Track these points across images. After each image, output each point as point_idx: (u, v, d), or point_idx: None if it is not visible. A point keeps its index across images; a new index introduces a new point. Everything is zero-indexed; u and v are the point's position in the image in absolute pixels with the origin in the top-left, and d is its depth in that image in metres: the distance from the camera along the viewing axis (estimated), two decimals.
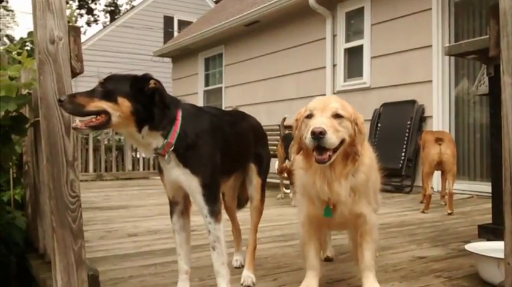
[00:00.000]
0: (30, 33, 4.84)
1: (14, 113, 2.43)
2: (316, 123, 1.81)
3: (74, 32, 2.00)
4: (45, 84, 1.93)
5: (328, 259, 2.76)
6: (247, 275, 2.31)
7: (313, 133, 1.78)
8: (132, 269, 2.65)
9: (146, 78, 1.89)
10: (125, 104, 1.83)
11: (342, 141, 1.87)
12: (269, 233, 3.64)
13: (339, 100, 1.95)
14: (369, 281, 2.10)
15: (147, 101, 1.86)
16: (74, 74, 2.02)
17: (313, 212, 2.08)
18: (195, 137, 1.94)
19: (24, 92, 2.52)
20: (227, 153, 2.08)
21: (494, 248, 2.32)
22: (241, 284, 2.28)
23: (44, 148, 1.95)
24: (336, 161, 1.89)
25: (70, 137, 1.95)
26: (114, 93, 1.84)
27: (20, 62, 2.62)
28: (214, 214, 1.96)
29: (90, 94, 1.86)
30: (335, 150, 1.85)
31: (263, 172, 2.44)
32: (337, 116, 1.87)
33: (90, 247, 3.17)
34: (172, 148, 1.91)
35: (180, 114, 1.95)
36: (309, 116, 1.89)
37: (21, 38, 4.29)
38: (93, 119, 1.83)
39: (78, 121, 1.86)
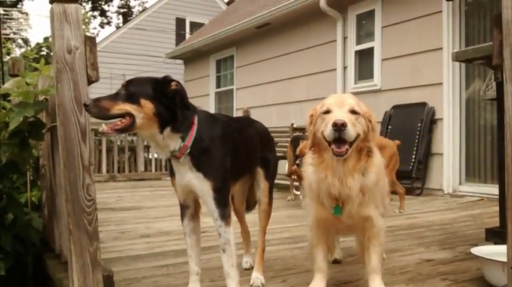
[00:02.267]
0: (46, 39, 4.96)
1: (32, 119, 2.52)
2: (337, 116, 1.88)
3: (90, 41, 2.08)
4: (62, 92, 2.01)
5: (336, 262, 2.81)
6: (257, 277, 2.37)
7: (335, 125, 1.85)
8: (145, 269, 2.73)
9: (167, 80, 1.94)
10: (147, 105, 1.88)
11: (357, 137, 1.94)
12: (278, 235, 3.70)
13: (354, 97, 2.02)
14: (375, 283, 2.15)
15: (169, 102, 1.91)
16: (90, 82, 2.10)
17: (321, 215, 2.13)
18: (209, 142, 2.01)
19: (41, 98, 2.61)
20: (236, 158, 2.15)
21: (500, 251, 2.35)
22: (251, 286, 2.34)
23: (61, 153, 2.03)
24: (349, 156, 1.95)
25: (86, 143, 2.03)
26: (137, 96, 1.88)
27: (36, 69, 2.71)
28: (225, 217, 2.02)
29: (114, 97, 1.89)
30: (351, 144, 1.92)
31: (270, 175, 2.49)
32: (353, 112, 1.94)
33: (105, 247, 3.25)
34: (188, 151, 1.97)
35: (196, 119, 2.01)
36: (327, 112, 1.96)
37: (38, 43, 4.41)
38: (118, 123, 1.88)
39: (104, 125, 1.91)
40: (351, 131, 1.89)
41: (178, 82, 1.95)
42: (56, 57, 2.01)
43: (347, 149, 1.90)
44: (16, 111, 2.38)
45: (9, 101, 3.13)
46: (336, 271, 2.65)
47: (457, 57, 2.86)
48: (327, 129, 1.90)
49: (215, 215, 2.02)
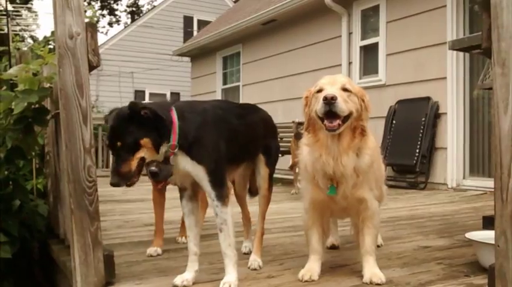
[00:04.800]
0: (53, 32, 5.03)
1: (37, 105, 2.59)
2: (327, 91, 1.94)
3: (91, 28, 2.15)
4: (64, 77, 2.08)
5: (333, 247, 2.86)
6: (254, 259, 2.43)
7: (325, 98, 1.93)
8: (146, 254, 2.79)
9: (137, 110, 1.94)
10: (147, 142, 1.96)
11: (350, 115, 2.00)
12: (280, 225, 3.75)
13: (347, 77, 2.10)
14: (369, 264, 2.19)
15: (151, 124, 1.96)
16: (91, 67, 2.16)
17: (316, 196, 2.18)
18: (195, 132, 2.06)
19: (46, 85, 2.68)
20: (234, 142, 2.20)
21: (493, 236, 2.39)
22: (248, 267, 2.40)
23: (63, 136, 2.10)
24: (343, 134, 2.01)
25: (87, 126, 2.10)
26: (136, 142, 1.94)
27: (42, 57, 2.78)
28: (222, 197, 2.08)
29: (123, 158, 1.94)
30: (344, 121, 1.97)
31: (271, 162, 2.54)
32: (345, 89, 2.01)
33: (108, 234, 3.32)
34: (177, 149, 2.03)
35: (174, 115, 2.04)
36: (319, 91, 2.02)
37: (45, 37, 4.49)
38: (136, 174, 1.97)
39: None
40: (342, 105, 1.95)
41: (142, 106, 1.96)
42: (58, 43, 2.07)
43: (339, 124, 1.96)
44: (21, 97, 2.45)
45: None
46: (333, 255, 2.70)
47: (453, 46, 2.89)
48: (318, 105, 1.96)
49: (212, 196, 2.07)
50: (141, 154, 1.95)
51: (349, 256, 2.68)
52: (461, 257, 2.62)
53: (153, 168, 2.07)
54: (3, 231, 2.84)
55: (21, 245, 3.05)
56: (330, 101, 1.94)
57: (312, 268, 2.23)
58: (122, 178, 1.94)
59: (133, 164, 1.94)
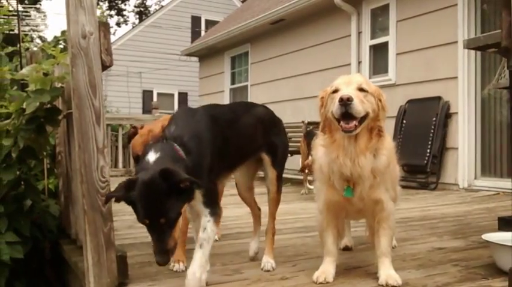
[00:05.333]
0: (63, 32, 5.05)
1: (48, 105, 2.58)
2: (343, 92, 1.91)
3: (104, 27, 2.14)
4: (77, 76, 2.07)
5: (347, 248, 2.83)
6: (267, 261, 2.40)
7: (341, 99, 1.90)
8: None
9: (175, 182, 1.81)
10: (185, 206, 1.92)
11: (367, 115, 1.96)
12: (291, 225, 3.72)
13: (363, 77, 2.06)
14: (385, 266, 2.16)
15: (187, 190, 1.86)
16: (104, 67, 2.15)
17: (331, 198, 2.15)
18: (192, 162, 1.98)
19: (58, 85, 2.67)
20: (224, 152, 2.15)
21: (511, 238, 2.35)
22: (262, 269, 2.37)
23: (76, 136, 2.08)
24: (360, 135, 1.98)
25: (100, 126, 2.09)
26: (179, 213, 1.86)
27: (54, 57, 2.77)
28: (215, 215, 2.06)
29: (169, 234, 1.84)
30: (360, 122, 1.94)
31: (278, 163, 2.44)
32: (361, 89, 1.98)
33: (119, 235, 3.30)
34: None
35: (183, 154, 1.96)
36: (335, 91, 1.99)
37: (55, 37, 4.49)
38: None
39: None
40: (358, 106, 1.92)
41: (182, 179, 1.82)
42: (71, 43, 2.06)
43: (355, 125, 1.93)
44: (32, 97, 2.45)
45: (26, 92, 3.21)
46: (346, 257, 2.66)
47: (468, 45, 2.85)
48: (334, 106, 1.93)
49: (206, 212, 2.04)
50: (180, 219, 1.89)
51: (363, 258, 2.65)
52: (478, 259, 2.57)
53: None
54: (15, 231, 2.83)
55: (33, 245, 3.05)
56: (345, 102, 1.91)
57: (327, 269, 2.20)
58: (171, 254, 1.87)
59: (176, 236, 1.88)
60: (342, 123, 1.94)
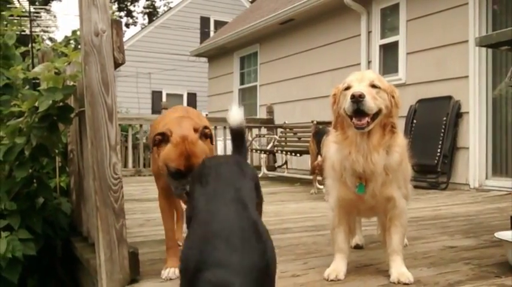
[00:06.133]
0: (74, 32, 5.10)
1: (61, 104, 2.60)
2: (355, 89, 1.91)
3: (116, 25, 2.15)
4: (90, 74, 2.08)
5: (358, 247, 2.82)
6: None
7: (352, 96, 1.90)
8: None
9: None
10: None
11: (379, 112, 1.96)
12: (302, 224, 3.72)
13: (376, 73, 2.05)
14: (396, 264, 2.15)
15: None
16: (117, 64, 2.16)
17: (343, 195, 2.15)
18: None
19: (70, 84, 2.69)
20: None
21: None
22: None
23: (89, 133, 2.10)
24: (373, 132, 1.98)
25: (113, 123, 2.10)
26: None
27: (66, 56, 2.79)
28: None
29: None
30: (373, 119, 1.94)
31: None
32: (374, 86, 1.97)
33: (130, 233, 3.31)
34: None
35: None
36: (347, 88, 1.99)
37: (66, 36, 4.53)
38: None
39: None
40: (370, 103, 1.91)
41: None
42: (84, 40, 2.08)
43: (368, 122, 1.92)
44: (45, 95, 2.46)
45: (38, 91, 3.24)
46: (357, 255, 2.66)
47: (480, 43, 2.83)
48: (346, 103, 1.93)
49: None
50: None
51: (374, 256, 2.64)
52: (490, 258, 2.56)
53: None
54: (28, 228, 2.86)
55: (45, 243, 3.08)
56: (357, 99, 1.90)
57: (338, 267, 2.20)
58: None
59: None
60: (354, 120, 1.94)
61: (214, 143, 2.31)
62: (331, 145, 2.17)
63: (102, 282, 2.07)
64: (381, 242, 2.38)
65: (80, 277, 3.12)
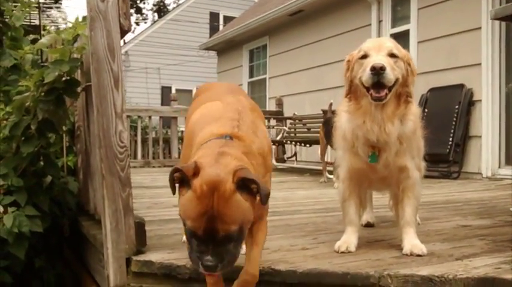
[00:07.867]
0: (84, 18, 5.09)
1: (67, 77, 2.57)
2: (375, 60, 1.84)
3: None
4: (95, 40, 2.04)
5: (369, 225, 2.76)
6: None
7: (373, 68, 1.82)
8: (177, 229, 2.73)
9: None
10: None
11: (396, 81, 1.90)
12: (311, 207, 3.67)
13: (393, 41, 1.98)
14: (409, 236, 2.09)
15: None
16: (123, 31, 2.12)
17: (355, 165, 2.09)
18: None
19: (77, 56, 2.66)
20: None
21: None
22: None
23: (95, 100, 2.06)
24: (388, 102, 1.92)
25: (119, 90, 2.06)
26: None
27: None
28: None
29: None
30: (390, 89, 1.88)
31: None
32: (392, 55, 1.90)
33: (139, 214, 3.28)
34: None
35: None
36: (364, 57, 1.92)
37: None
38: None
39: None
40: (390, 75, 1.85)
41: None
42: (90, 6, 2.04)
43: (386, 94, 1.86)
44: (51, 67, 2.43)
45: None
46: (369, 232, 2.60)
47: (495, 15, 2.76)
48: (364, 75, 1.86)
49: None
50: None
51: (386, 233, 2.58)
52: (505, 235, 2.49)
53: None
54: (35, 206, 2.83)
55: (52, 222, 3.05)
56: (378, 71, 1.83)
57: (349, 239, 2.14)
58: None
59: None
60: (371, 91, 1.88)
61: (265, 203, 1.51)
62: (343, 114, 2.11)
63: (108, 252, 2.03)
64: (392, 212, 2.32)
65: (87, 256, 3.09)
